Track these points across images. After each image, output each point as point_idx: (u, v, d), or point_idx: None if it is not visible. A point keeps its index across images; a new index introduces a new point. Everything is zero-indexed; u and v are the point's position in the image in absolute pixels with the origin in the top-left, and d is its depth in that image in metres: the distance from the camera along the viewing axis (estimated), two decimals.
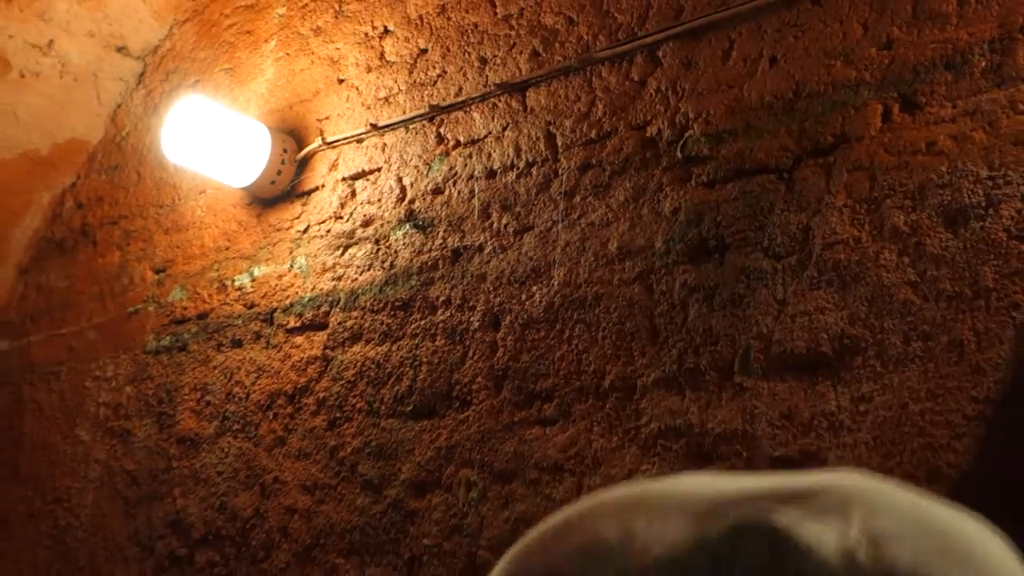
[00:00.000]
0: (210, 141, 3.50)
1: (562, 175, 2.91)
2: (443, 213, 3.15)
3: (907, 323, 2.24)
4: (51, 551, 3.88)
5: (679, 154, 2.69)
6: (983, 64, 2.26)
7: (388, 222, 3.28)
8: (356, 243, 3.35)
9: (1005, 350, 2.11)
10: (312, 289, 3.42)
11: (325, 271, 3.40)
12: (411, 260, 3.18)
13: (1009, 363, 2.11)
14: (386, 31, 3.47)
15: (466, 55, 3.22)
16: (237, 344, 3.58)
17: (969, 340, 2.15)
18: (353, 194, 3.41)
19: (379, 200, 3.32)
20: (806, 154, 2.48)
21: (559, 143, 2.94)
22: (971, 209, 2.20)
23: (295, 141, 3.60)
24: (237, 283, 3.66)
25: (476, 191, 3.08)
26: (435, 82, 3.27)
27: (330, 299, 3.36)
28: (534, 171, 2.97)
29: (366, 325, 3.23)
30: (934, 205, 2.26)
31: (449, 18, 3.30)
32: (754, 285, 2.48)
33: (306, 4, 3.76)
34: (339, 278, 3.36)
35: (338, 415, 3.22)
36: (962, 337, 2.16)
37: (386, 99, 3.39)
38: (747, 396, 2.43)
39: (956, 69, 2.30)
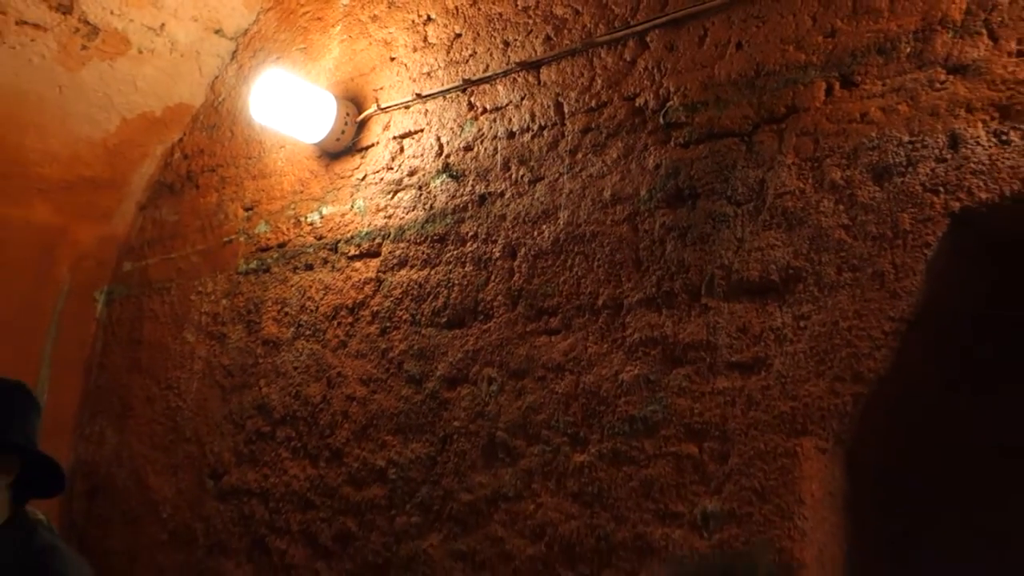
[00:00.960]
0: (288, 106, 3.47)
1: (568, 136, 2.88)
2: (472, 166, 3.12)
3: (840, 257, 2.22)
4: (165, 426, 3.93)
5: (661, 120, 2.66)
6: (908, 50, 2.22)
7: (429, 172, 3.26)
8: (403, 189, 3.33)
9: (918, 280, 2.10)
10: (368, 225, 3.42)
11: (379, 211, 3.39)
12: (446, 203, 3.16)
13: (920, 290, 2.10)
14: (429, 19, 3.42)
15: (492, 39, 3.17)
16: (309, 268, 3.59)
17: (889, 272, 2.13)
18: (401, 150, 3.38)
19: (422, 155, 3.30)
20: (763, 121, 2.45)
21: (566, 110, 2.91)
22: (894, 167, 2.18)
23: (355, 107, 3.57)
24: (309, 219, 3.65)
25: (499, 148, 3.06)
26: (467, 60, 3.23)
27: (382, 233, 3.35)
28: (545, 133, 2.94)
29: (411, 254, 3.22)
30: (865, 164, 2.23)
31: (479, 8, 3.25)
32: (719, 226, 2.46)
33: None
34: (389, 216, 3.34)
35: (388, 324, 3.22)
36: (883, 269, 2.14)
37: (428, 74, 3.36)
38: (711, 314, 2.43)
39: (886, 54, 2.26)
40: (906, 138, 2.18)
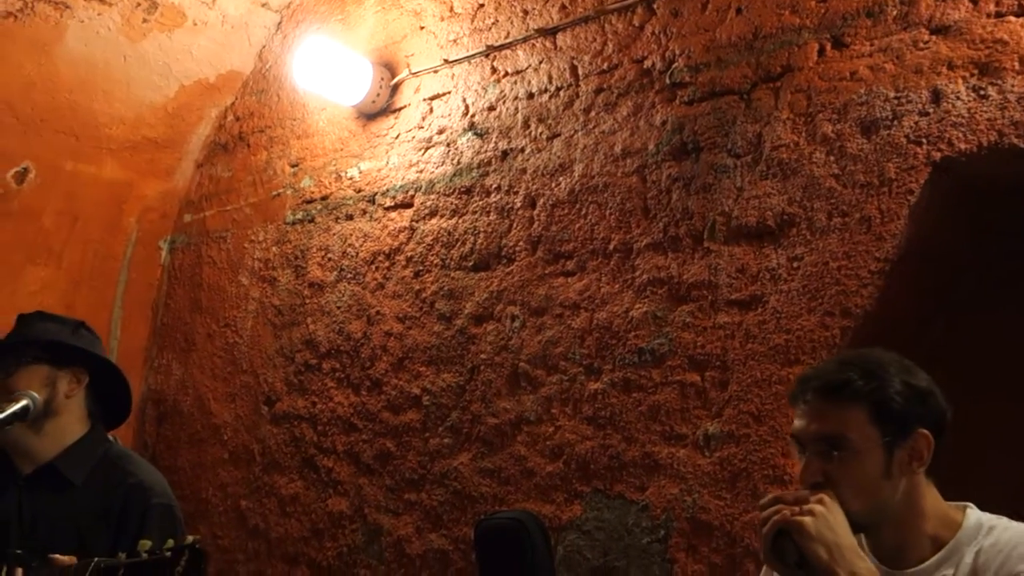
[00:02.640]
0: (328, 72, 3.42)
1: (582, 96, 2.83)
2: (495, 124, 3.08)
3: (830, 204, 2.18)
4: (224, 359, 3.94)
5: (667, 80, 2.61)
6: (894, 13, 2.16)
7: (456, 131, 3.21)
8: (433, 146, 3.29)
9: (901, 224, 2.07)
10: (402, 179, 3.38)
11: (411, 166, 3.35)
12: (472, 158, 3.13)
13: (903, 233, 2.07)
14: None
15: (513, 8, 3.10)
16: (349, 218, 3.56)
17: (876, 216, 2.10)
18: (431, 110, 3.33)
19: (449, 115, 3.25)
20: (761, 80, 2.39)
21: (580, 73, 2.85)
22: (881, 121, 2.13)
23: (389, 72, 3.51)
24: (349, 174, 3.62)
25: (519, 108, 3.01)
26: (490, 28, 3.17)
27: (415, 186, 3.32)
28: (562, 93, 2.89)
29: (440, 205, 3.19)
30: (854, 118, 2.18)
31: None
32: (720, 176, 2.42)
33: None
34: (421, 171, 3.31)
35: (421, 268, 3.21)
36: (870, 214, 2.11)
37: (455, 41, 3.29)
38: (712, 256, 2.40)
39: (874, 16, 2.20)
40: (892, 94, 2.13)
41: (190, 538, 1.53)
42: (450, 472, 2.92)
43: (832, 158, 2.20)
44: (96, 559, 1.55)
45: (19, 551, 1.76)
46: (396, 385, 3.17)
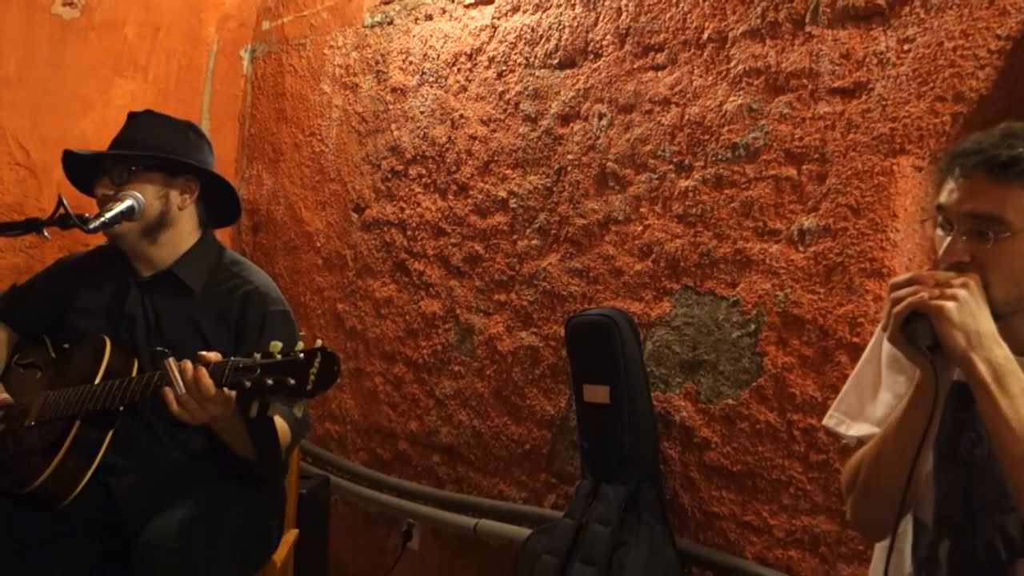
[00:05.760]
0: None
1: None
2: None
3: None
4: (312, 168, 3.97)
5: None
6: None
7: None
8: None
9: None
10: None
11: None
12: None
13: None
14: None
15: None
16: (429, 18, 3.44)
17: None
18: None
19: None
20: None
21: None
22: None
23: None
24: None
25: None
26: None
27: None
28: None
29: None
30: None
31: None
32: None
33: None
34: None
35: (503, 68, 3.11)
36: None
37: None
38: (814, 42, 2.25)
39: None
40: None
41: (319, 341, 1.58)
42: (539, 273, 2.94)
43: None
44: (233, 358, 1.61)
45: (161, 348, 1.86)
46: (482, 189, 3.15)
